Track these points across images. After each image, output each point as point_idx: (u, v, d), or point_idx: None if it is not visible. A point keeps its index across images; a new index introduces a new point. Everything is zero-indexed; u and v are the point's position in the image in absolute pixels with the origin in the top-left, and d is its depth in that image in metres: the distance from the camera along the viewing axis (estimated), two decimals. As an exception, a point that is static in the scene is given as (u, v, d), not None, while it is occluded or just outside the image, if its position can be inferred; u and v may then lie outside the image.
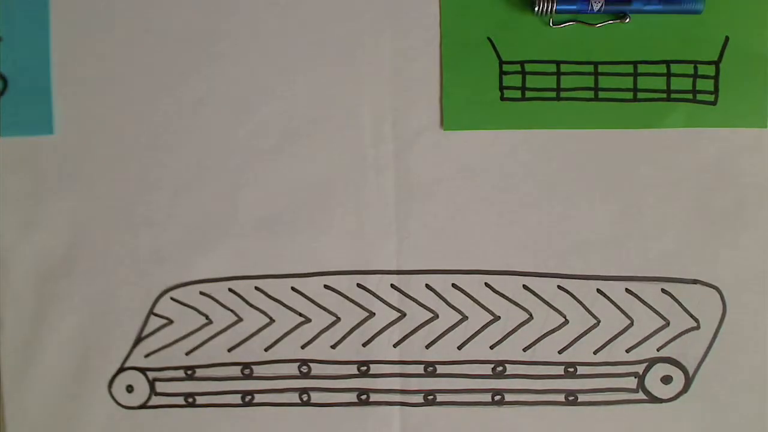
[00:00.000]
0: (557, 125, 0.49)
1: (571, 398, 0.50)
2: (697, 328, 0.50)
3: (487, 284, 0.50)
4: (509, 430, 0.50)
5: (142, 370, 0.51)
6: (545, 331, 0.50)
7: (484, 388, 0.50)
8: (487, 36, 0.49)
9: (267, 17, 0.50)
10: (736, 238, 0.49)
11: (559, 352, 0.50)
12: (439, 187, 0.50)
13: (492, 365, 0.50)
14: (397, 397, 0.50)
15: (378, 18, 0.50)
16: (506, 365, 0.50)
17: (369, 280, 0.50)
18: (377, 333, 0.50)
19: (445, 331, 0.50)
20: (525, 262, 0.50)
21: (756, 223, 0.49)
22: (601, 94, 0.49)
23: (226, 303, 0.50)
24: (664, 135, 0.49)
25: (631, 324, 0.50)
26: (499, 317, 0.50)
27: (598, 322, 0.50)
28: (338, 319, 0.50)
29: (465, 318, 0.50)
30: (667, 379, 0.50)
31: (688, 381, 0.50)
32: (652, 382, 0.50)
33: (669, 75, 0.49)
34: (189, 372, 0.51)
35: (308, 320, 0.50)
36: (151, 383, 0.51)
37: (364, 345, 0.50)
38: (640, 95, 0.49)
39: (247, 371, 0.51)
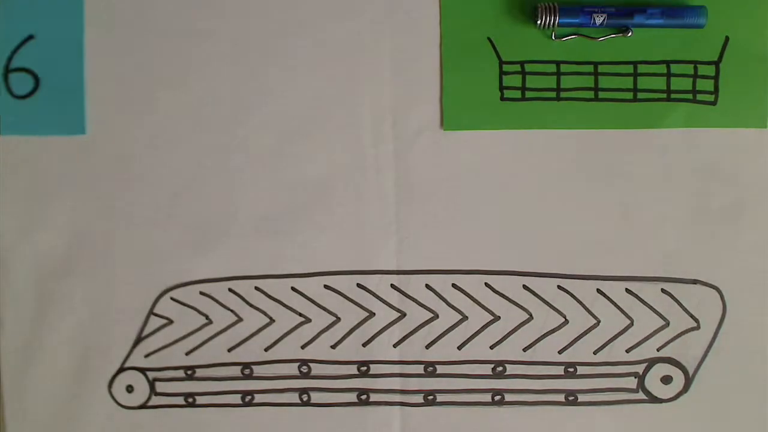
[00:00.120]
0: (557, 125, 0.49)
1: (571, 398, 0.50)
2: (697, 328, 0.50)
3: (487, 284, 0.50)
4: (509, 430, 0.50)
5: (142, 370, 0.51)
6: (545, 331, 0.50)
7: (484, 388, 0.50)
8: (487, 36, 0.49)
9: (267, 17, 0.50)
10: (736, 238, 0.49)
11: (559, 352, 0.50)
12: (439, 187, 0.50)
13: (492, 365, 0.50)
14: (397, 397, 0.50)
15: (378, 18, 0.49)
16: (506, 365, 0.50)
17: (369, 280, 0.50)
18: (377, 333, 0.50)
19: (445, 331, 0.50)
20: (525, 262, 0.50)
21: (756, 223, 0.49)
22: (601, 94, 0.49)
23: (226, 303, 0.50)
24: (664, 135, 0.49)
25: (631, 324, 0.50)
26: (499, 317, 0.50)
27: (598, 322, 0.50)
28: (338, 319, 0.50)
29: (465, 318, 0.50)
30: (667, 379, 0.50)
31: (688, 381, 0.50)
32: (652, 382, 0.50)
33: (669, 75, 0.49)
34: (189, 372, 0.51)
35: (308, 320, 0.50)
36: (151, 383, 0.51)
37: (364, 345, 0.50)
38: (640, 95, 0.49)
39: (247, 371, 0.51)
